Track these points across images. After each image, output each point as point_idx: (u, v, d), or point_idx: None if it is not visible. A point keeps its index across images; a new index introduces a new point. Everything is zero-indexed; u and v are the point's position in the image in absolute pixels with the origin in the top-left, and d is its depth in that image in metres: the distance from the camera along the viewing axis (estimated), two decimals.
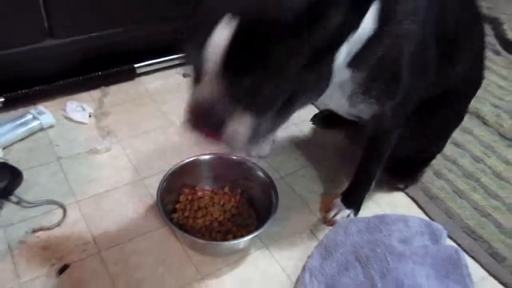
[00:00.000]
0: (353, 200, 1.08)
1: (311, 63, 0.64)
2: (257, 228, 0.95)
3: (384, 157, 1.02)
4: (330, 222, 1.05)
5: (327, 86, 0.71)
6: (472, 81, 1.12)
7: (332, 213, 1.06)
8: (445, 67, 0.94)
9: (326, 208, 1.08)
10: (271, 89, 0.63)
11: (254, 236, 0.91)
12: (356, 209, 1.08)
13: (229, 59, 0.60)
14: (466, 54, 1.00)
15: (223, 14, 0.60)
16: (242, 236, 0.94)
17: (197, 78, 0.65)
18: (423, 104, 0.99)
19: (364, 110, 0.87)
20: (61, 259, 0.91)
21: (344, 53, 0.71)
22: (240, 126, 0.65)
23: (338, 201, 1.07)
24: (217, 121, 0.64)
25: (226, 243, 0.92)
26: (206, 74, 0.62)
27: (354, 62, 0.75)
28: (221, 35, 0.59)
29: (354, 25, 0.63)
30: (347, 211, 1.06)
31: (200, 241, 0.92)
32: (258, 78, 0.61)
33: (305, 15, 0.60)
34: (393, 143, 0.99)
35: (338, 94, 0.83)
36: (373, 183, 1.07)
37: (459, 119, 1.16)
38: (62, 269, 0.89)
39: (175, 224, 0.95)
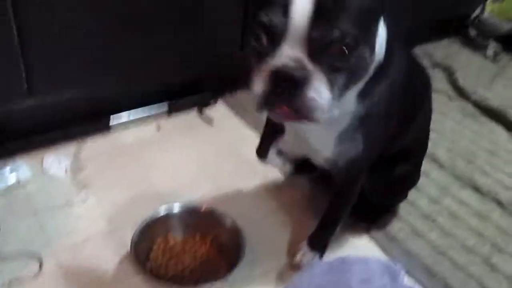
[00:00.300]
0: (319, 244, 1.13)
1: (371, 20, 0.72)
2: (226, 273, 1.00)
3: (350, 205, 1.09)
4: (295, 266, 1.10)
5: (371, 63, 0.77)
6: (423, 141, 1.23)
7: (298, 257, 1.11)
8: (407, 124, 1.05)
9: (292, 252, 1.14)
10: (352, 45, 0.68)
11: (223, 282, 0.96)
12: (321, 253, 1.14)
13: (315, 15, 0.65)
14: (422, 115, 1.12)
15: None
16: (213, 281, 0.99)
17: (273, 44, 0.68)
18: (384, 159, 1.08)
19: (346, 152, 0.92)
20: None
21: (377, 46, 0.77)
22: (322, 86, 0.69)
23: (303, 244, 1.13)
24: (303, 80, 0.67)
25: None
26: (289, 36, 0.67)
27: (362, 93, 0.83)
28: None
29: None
30: (312, 254, 1.12)
31: None
32: (342, 35, 0.66)
33: None
34: (358, 192, 1.07)
35: (332, 129, 0.88)
36: (338, 229, 1.13)
37: (416, 176, 1.25)
38: None
39: (149, 273, 1.00)
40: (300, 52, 0.68)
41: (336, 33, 0.66)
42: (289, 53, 0.68)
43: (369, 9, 0.72)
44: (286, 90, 0.68)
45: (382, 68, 0.83)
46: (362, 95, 0.85)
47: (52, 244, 1.09)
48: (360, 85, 0.82)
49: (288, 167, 1.31)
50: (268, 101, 0.71)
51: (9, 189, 1.22)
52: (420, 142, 1.22)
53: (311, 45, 0.67)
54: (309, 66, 0.68)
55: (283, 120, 0.75)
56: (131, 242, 1.01)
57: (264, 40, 0.70)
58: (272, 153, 1.21)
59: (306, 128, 0.92)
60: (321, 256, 1.13)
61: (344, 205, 1.09)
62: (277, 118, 0.74)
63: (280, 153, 1.25)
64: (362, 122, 0.88)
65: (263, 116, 1.56)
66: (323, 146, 0.95)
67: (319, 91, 0.69)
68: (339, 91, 0.72)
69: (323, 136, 0.92)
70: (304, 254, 1.12)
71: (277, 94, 0.69)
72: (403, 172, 1.16)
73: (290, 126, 0.99)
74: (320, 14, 0.65)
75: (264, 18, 0.68)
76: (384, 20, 0.82)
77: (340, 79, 0.71)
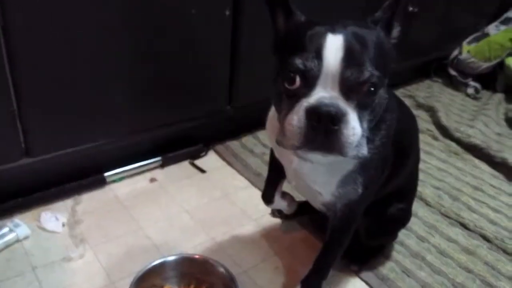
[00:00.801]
0: (312, 286, 1.16)
1: (387, 68, 0.83)
2: None
3: (344, 248, 1.12)
4: None
5: (384, 105, 0.86)
6: (414, 180, 1.29)
7: None
8: (401, 166, 1.11)
9: None
10: (377, 85, 0.78)
11: None
12: None
13: (346, 59, 0.75)
14: (413, 155, 1.19)
15: (326, 34, 0.76)
16: None
17: (308, 85, 0.77)
18: (379, 200, 1.13)
19: (345, 195, 0.97)
20: None
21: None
22: (355, 122, 0.77)
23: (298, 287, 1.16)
24: (339, 118, 0.75)
25: None
26: (322, 77, 0.76)
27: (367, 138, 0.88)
28: (336, 41, 0.75)
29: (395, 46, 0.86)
30: None
31: None
32: (370, 76, 0.76)
33: (385, 27, 0.84)
34: (351, 236, 1.10)
35: (336, 171, 0.94)
36: (330, 270, 1.16)
37: (405, 218, 1.29)
38: None
39: None
40: (333, 91, 0.76)
41: (366, 74, 0.76)
42: (324, 93, 0.76)
43: (387, 54, 0.83)
44: (324, 126, 0.75)
45: (382, 115, 0.91)
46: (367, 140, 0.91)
47: None
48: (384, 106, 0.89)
49: (293, 207, 1.34)
50: (306, 136, 0.77)
51: (8, 247, 1.25)
52: (412, 182, 1.28)
53: (344, 85, 0.76)
54: (343, 104, 0.76)
55: (317, 153, 0.81)
56: None
57: (298, 81, 0.78)
58: (277, 196, 1.27)
59: (310, 171, 0.96)
60: None
61: (338, 248, 1.12)
62: (308, 156, 0.82)
63: (284, 195, 1.30)
64: (364, 166, 0.95)
65: (253, 163, 1.63)
66: (325, 189, 0.99)
67: (353, 127, 0.77)
68: (366, 128, 0.81)
69: (326, 179, 0.97)
70: None
71: (315, 129, 0.76)
72: (396, 211, 1.21)
73: (293, 169, 1.02)
74: (350, 58, 0.75)
75: (298, 62, 0.76)
76: None
77: (367, 116, 0.80)
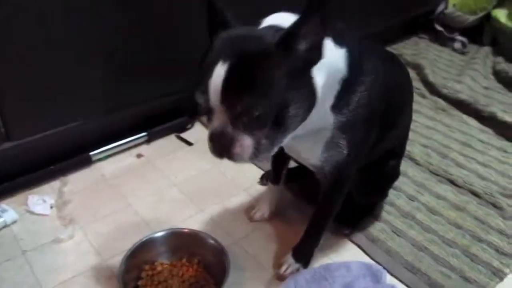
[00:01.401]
0: (303, 254, 1.17)
1: (291, 83, 0.81)
2: None
3: (335, 212, 1.13)
4: (281, 277, 1.14)
5: (313, 104, 0.87)
6: (405, 137, 1.30)
7: (283, 269, 1.15)
8: (389, 131, 1.11)
9: (277, 264, 1.17)
10: (262, 108, 0.80)
11: None
12: (306, 263, 1.17)
13: (226, 91, 0.78)
14: (405, 115, 1.20)
15: (216, 63, 0.79)
16: None
17: (209, 117, 0.85)
18: (367, 162, 1.14)
19: (331, 157, 0.99)
20: None
21: (322, 80, 0.87)
22: (243, 144, 0.83)
23: (288, 256, 1.16)
24: (227, 143, 0.83)
25: None
26: (213, 110, 0.82)
27: (336, 106, 0.92)
28: (218, 75, 0.78)
29: (318, 48, 0.81)
30: (297, 265, 1.15)
31: None
32: (250, 102, 0.79)
33: (278, 46, 0.80)
34: (342, 199, 1.11)
35: (317, 139, 0.97)
36: (320, 241, 1.17)
37: (396, 174, 1.30)
38: None
39: None
40: (223, 120, 0.82)
41: (238, 109, 0.80)
42: (215, 122, 0.84)
43: (282, 75, 0.80)
44: (220, 148, 0.85)
45: (351, 80, 0.92)
46: (338, 107, 0.93)
47: (42, 283, 1.11)
48: (329, 101, 0.91)
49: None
50: (212, 150, 0.87)
51: None
52: (403, 138, 1.29)
53: (229, 115, 0.81)
54: (230, 130, 0.82)
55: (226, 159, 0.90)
56: (118, 273, 1.03)
57: (203, 110, 0.86)
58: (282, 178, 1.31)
59: (295, 142, 0.98)
60: (305, 267, 1.16)
61: (329, 213, 1.13)
62: (220, 159, 0.89)
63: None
64: (344, 129, 0.96)
65: None
66: (310, 155, 1.02)
67: (243, 147, 0.83)
68: (272, 141, 0.85)
69: (310, 146, 1.00)
70: (289, 265, 1.15)
71: (216, 146, 0.86)
72: (388, 168, 1.22)
73: None
74: (227, 92, 0.79)
75: (197, 96, 0.84)
76: (338, 37, 0.89)
77: (265, 133, 0.83)
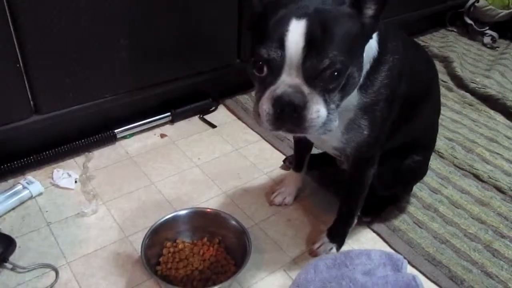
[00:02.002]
0: (337, 235, 1.19)
1: (358, 46, 0.82)
2: (234, 273, 1.04)
3: (363, 194, 1.14)
4: (313, 253, 1.17)
5: (361, 77, 0.87)
6: (433, 134, 1.28)
7: (316, 245, 1.17)
8: (411, 109, 1.09)
9: (312, 241, 1.20)
10: (344, 64, 0.78)
11: (232, 281, 1.00)
12: (340, 243, 1.19)
13: (310, 45, 0.75)
14: (428, 104, 1.17)
15: (290, 19, 0.76)
16: (221, 282, 1.03)
17: (273, 74, 0.79)
18: (396, 150, 1.14)
19: (352, 138, 0.99)
20: None
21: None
22: (319, 106, 0.79)
23: (323, 235, 1.19)
24: (302, 104, 0.78)
25: None
26: (286, 66, 0.77)
27: (363, 86, 0.92)
28: (297, 30, 0.75)
29: (377, 18, 0.83)
30: (331, 245, 1.17)
31: None
32: (335, 55, 0.76)
33: (353, 4, 0.80)
34: (369, 182, 1.11)
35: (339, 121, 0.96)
36: (355, 220, 1.18)
37: (422, 171, 1.28)
38: None
39: (160, 276, 1.04)
40: (297, 79, 0.78)
41: (326, 62, 0.76)
42: (288, 81, 0.78)
43: (354, 36, 0.81)
44: (288, 114, 0.79)
45: (379, 59, 0.92)
46: (364, 88, 0.93)
47: (66, 255, 1.13)
48: (360, 81, 0.90)
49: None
50: (274, 122, 0.81)
51: (23, 204, 1.27)
52: (429, 134, 1.27)
53: (306, 73, 0.78)
54: (306, 90, 0.78)
55: (289, 135, 0.84)
56: (142, 248, 1.05)
57: (265, 70, 0.80)
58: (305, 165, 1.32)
59: None
60: (338, 247, 1.19)
61: (358, 193, 1.14)
62: (283, 134, 0.82)
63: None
64: (366, 110, 0.96)
65: None
66: (331, 137, 1.01)
67: (317, 112, 0.79)
68: (335, 107, 0.83)
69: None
70: (323, 243, 1.17)
71: (281, 117, 0.80)
72: (412, 163, 1.20)
73: None
74: (311, 46, 0.75)
75: (263, 52, 0.78)
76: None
77: (334, 97, 0.82)
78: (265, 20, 0.80)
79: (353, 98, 0.93)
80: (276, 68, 0.79)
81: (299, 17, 0.76)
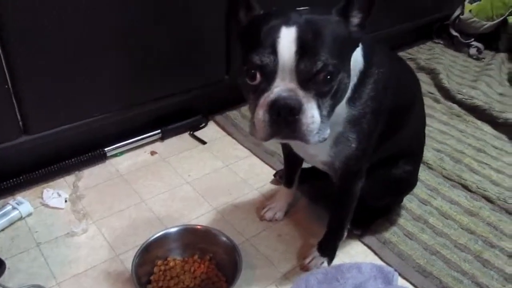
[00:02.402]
0: (327, 249, 1.20)
1: (345, 52, 0.85)
2: None
3: (352, 206, 1.15)
4: (305, 268, 1.17)
5: (348, 87, 0.89)
6: (420, 144, 1.29)
7: (307, 260, 1.18)
8: (396, 120, 1.10)
9: (302, 255, 1.20)
10: (335, 67, 0.80)
11: None
12: (331, 256, 1.20)
13: (301, 49, 0.77)
14: (414, 115, 1.19)
15: (280, 27, 0.79)
16: None
17: (267, 80, 0.80)
18: (379, 163, 1.15)
19: (341, 152, 1.00)
20: None
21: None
22: (313, 111, 0.80)
23: (314, 249, 1.19)
24: (298, 107, 0.79)
25: None
26: (279, 71, 0.79)
27: (351, 99, 0.94)
28: (288, 36, 0.78)
29: (362, 28, 0.86)
30: (322, 259, 1.18)
31: None
32: (326, 58, 0.78)
33: (339, 12, 0.84)
34: (358, 194, 1.12)
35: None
36: (345, 232, 1.19)
37: (411, 181, 1.28)
38: None
39: None
40: (292, 83, 0.80)
41: (319, 65, 0.79)
42: (282, 85, 0.80)
43: (343, 41, 0.84)
44: (285, 117, 0.80)
45: (365, 73, 0.95)
46: (352, 100, 0.95)
47: (56, 275, 1.13)
48: (348, 93, 0.92)
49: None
50: (270, 128, 0.81)
51: (12, 225, 1.26)
52: (417, 144, 1.28)
53: (300, 77, 0.79)
54: (301, 94, 0.80)
55: (284, 142, 0.89)
56: (132, 266, 1.04)
57: (258, 77, 0.81)
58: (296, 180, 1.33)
59: None
60: (330, 260, 1.19)
61: (347, 206, 1.15)
62: (278, 142, 0.83)
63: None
64: (355, 123, 0.98)
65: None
66: (319, 151, 1.03)
67: (311, 117, 0.80)
68: (327, 113, 0.85)
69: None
70: (314, 257, 1.18)
71: (277, 122, 0.80)
72: (402, 173, 1.21)
73: None
74: (303, 50, 0.78)
75: (256, 58, 0.80)
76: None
77: (326, 103, 0.84)
78: (256, 31, 0.81)
79: (342, 110, 0.94)
80: (269, 74, 0.80)
81: (289, 25, 0.79)
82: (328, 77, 0.80)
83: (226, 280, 1.09)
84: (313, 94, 0.80)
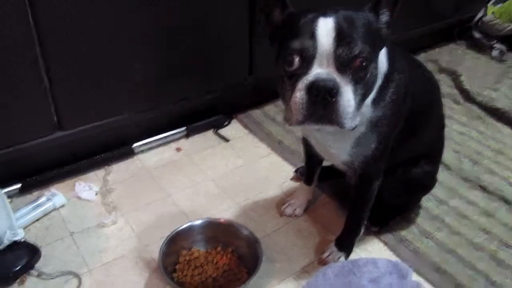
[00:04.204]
0: (345, 244, 1.24)
1: (376, 48, 0.91)
2: (246, 281, 1.09)
3: (369, 205, 1.18)
4: (323, 262, 1.22)
5: (375, 83, 0.95)
6: (439, 146, 1.32)
7: (325, 254, 1.23)
8: (412, 134, 1.15)
9: (320, 251, 1.25)
10: (369, 55, 0.86)
11: None
12: (348, 252, 1.24)
13: (340, 35, 0.83)
14: (433, 119, 1.23)
15: (318, 18, 0.85)
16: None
17: (306, 64, 0.85)
18: (400, 164, 1.19)
19: (360, 152, 1.05)
20: None
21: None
22: (349, 95, 0.85)
23: (332, 245, 1.24)
24: (335, 90, 0.83)
25: None
26: (318, 56, 0.84)
27: (376, 100, 0.98)
28: (326, 24, 0.84)
29: (389, 26, 0.93)
30: (339, 254, 1.22)
31: None
32: (363, 45, 0.84)
33: (370, 9, 0.91)
34: (375, 192, 1.16)
35: (349, 135, 1.01)
36: (362, 229, 1.23)
37: (431, 181, 1.31)
38: None
39: (176, 283, 1.10)
40: (329, 68, 0.85)
41: (356, 50, 0.84)
42: (320, 69, 0.85)
43: (375, 35, 0.91)
44: (322, 99, 0.84)
45: (388, 76, 1.00)
46: (376, 101, 1.00)
47: (88, 263, 1.20)
48: (373, 94, 0.97)
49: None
50: (307, 110, 0.85)
51: (47, 215, 1.34)
52: (436, 146, 1.31)
53: (338, 61, 0.84)
54: (338, 77, 0.84)
55: (317, 127, 0.91)
56: (159, 256, 1.11)
57: (297, 62, 0.86)
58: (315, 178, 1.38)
59: (327, 138, 1.06)
60: (347, 255, 1.24)
61: (364, 205, 1.18)
62: (312, 125, 0.89)
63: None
64: (376, 124, 1.02)
65: (274, 131, 1.67)
66: (341, 151, 1.07)
67: (348, 99, 0.85)
68: (359, 100, 0.89)
69: (341, 142, 1.05)
70: (332, 252, 1.22)
71: (315, 104, 0.84)
72: (421, 174, 1.24)
73: (313, 138, 1.14)
74: (341, 36, 0.84)
75: (296, 44, 0.85)
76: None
77: (360, 90, 0.88)
78: (294, 23, 0.88)
79: (367, 110, 0.99)
80: (308, 59, 0.85)
81: (326, 16, 0.85)
82: (364, 63, 0.85)
83: (247, 271, 1.15)
84: (350, 79, 0.85)
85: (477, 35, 2.43)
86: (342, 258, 1.23)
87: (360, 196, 1.18)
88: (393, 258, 1.24)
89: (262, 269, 1.11)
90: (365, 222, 1.23)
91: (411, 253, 1.26)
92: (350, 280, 1.09)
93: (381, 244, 1.29)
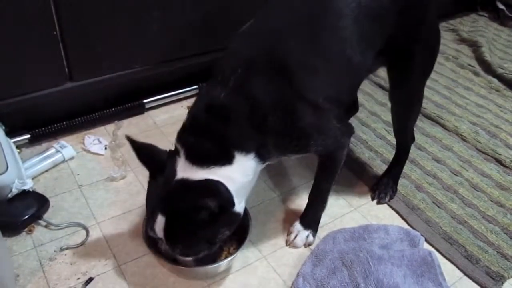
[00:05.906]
0: (310, 221, 1.17)
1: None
2: (236, 249, 1.06)
3: (334, 176, 1.11)
4: (291, 245, 1.15)
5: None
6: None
7: (292, 236, 1.15)
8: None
9: (288, 232, 1.18)
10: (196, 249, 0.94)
11: (233, 257, 1.03)
12: (314, 229, 1.17)
13: (167, 234, 0.92)
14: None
15: (157, 212, 0.92)
16: (226, 257, 1.05)
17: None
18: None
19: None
20: (86, 273, 1.05)
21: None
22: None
23: (296, 224, 1.17)
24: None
25: (208, 267, 1.02)
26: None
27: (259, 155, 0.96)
28: (159, 223, 0.92)
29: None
30: (306, 232, 1.15)
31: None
32: (181, 252, 0.95)
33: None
34: (342, 161, 1.09)
35: None
36: (327, 202, 1.17)
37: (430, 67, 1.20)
38: (88, 282, 1.03)
39: None
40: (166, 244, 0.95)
41: (177, 251, 0.95)
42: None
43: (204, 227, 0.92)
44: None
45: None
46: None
47: (96, 215, 1.19)
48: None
49: None
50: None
51: (56, 167, 1.33)
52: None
53: (170, 245, 0.95)
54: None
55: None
56: None
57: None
58: None
59: None
60: (314, 233, 1.16)
61: (329, 176, 1.12)
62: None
63: None
64: (279, 146, 0.99)
65: None
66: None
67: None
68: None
69: None
70: (298, 233, 1.15)
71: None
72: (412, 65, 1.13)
73: None
74: (169, 235, 0.92)
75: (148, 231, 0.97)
76: None
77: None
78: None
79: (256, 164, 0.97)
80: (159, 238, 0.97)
81: (161, 213, 0.93)
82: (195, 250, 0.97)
83: (237, 240, 1.09)
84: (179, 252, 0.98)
85: (500, 6, 2.35)
86: (310, 236, 1.15)
87: (324, 168, 1.11)
88: (404, 226, 1.22)
89: (251, 237, 1.08)
90: (329, 195, 1.16)
91: (423, 222, 1.24)
92: (361, 245, 1.08)
93: (392, 212, 1.27)
